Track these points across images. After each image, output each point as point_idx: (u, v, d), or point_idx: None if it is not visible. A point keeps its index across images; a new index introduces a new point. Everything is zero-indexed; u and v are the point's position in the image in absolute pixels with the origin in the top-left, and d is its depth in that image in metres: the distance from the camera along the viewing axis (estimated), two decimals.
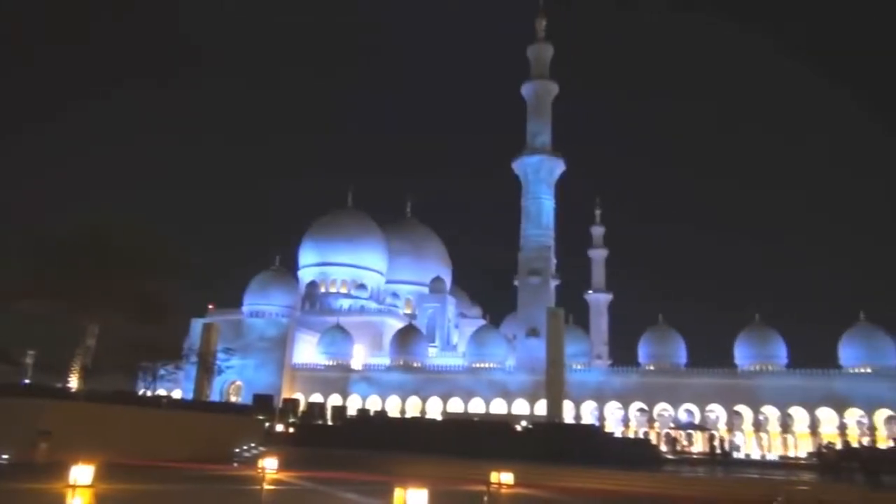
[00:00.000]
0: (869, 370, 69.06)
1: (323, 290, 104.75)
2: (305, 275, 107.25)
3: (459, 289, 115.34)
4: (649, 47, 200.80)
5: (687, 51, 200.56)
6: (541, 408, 70.25)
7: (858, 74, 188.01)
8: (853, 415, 67.07)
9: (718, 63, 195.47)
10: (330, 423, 60.92)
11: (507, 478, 25.05)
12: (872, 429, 65.21)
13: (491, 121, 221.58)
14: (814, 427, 66.96)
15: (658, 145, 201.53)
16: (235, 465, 35.63)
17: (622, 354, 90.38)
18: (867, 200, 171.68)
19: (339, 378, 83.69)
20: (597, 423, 70.17)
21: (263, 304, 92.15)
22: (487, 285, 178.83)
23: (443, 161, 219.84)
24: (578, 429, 58.13)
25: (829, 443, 45.06)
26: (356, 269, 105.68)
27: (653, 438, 66.40)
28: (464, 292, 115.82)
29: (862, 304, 73.75)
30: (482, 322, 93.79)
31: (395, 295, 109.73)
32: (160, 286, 41.30)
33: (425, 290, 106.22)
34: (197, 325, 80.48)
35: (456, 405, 77.93)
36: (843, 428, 65.85)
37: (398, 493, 15.90)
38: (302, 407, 68.87)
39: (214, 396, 76.11)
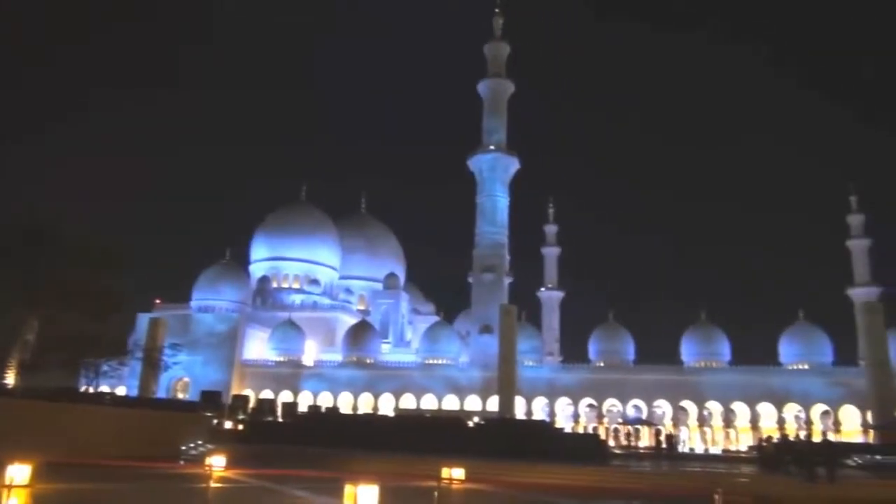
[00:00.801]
0: (806, 367, 71.87)
1: (275, 285, 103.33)
2: (257, 269, 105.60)
3: (413, 285, 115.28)
4: (604, 50, 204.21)
5: (643, 55, 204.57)
6: (493, 404, 70.84)
7: (800, 74, 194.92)
8: (791, 410, 69.71)
9: (670, 67, 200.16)
10: (280, 419, 60.15)
11: (458, 473, 25.18)
12: (809, 423, 67.89)
13: (448, 118, 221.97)
14: (754, 422, 69.27)
15: (611, 146, 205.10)
16: (182, 463, 34.90)
17: (573, 351, 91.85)
18: (806, 203, 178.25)
19: (291, 374, 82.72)
20: (547, 419, 71.14)
21: (213, 299, 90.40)
22: (441, 282, 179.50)
23: (399, 157, 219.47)
24: (529, 424, 58.82)
25: (768, 437, 46.67)
26: (309, 264, 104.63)
27: (601, 433, 67.70)
28: (418, 289, 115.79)
29: (801, 304, 76.71)
30: (436, 318, 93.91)
31: (348, 291, 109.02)
32: (103, 279, 39.99)
33: (379, 286, 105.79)
34: (143, 319, 78.51)
35: (409, 402, 77.91)
36: (781, 422, 68.37)
37: (349, 489, 15.83)
38: (252, 403, 67.84)
39: (161, 393, 74.38)
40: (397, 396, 78.65)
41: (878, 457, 43.36)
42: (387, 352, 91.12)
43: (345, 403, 79.23)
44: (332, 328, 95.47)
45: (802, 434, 65.40)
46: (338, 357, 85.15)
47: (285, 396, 79.05)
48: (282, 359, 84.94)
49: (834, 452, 33.86)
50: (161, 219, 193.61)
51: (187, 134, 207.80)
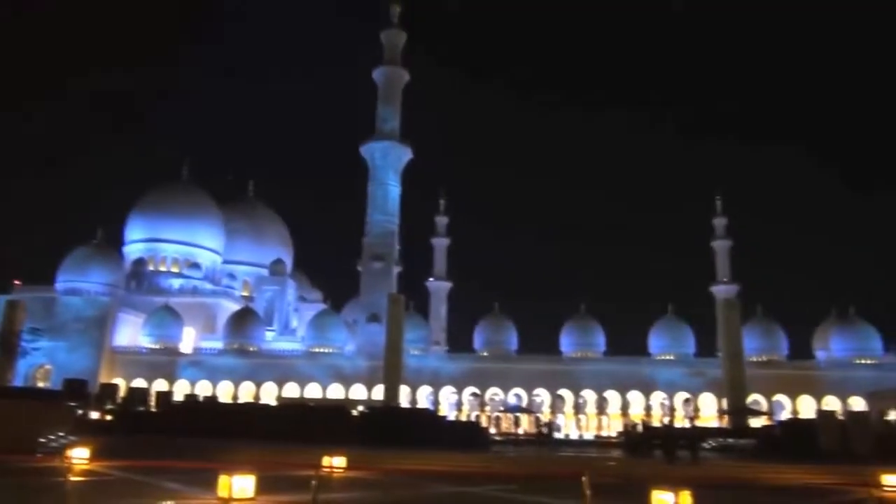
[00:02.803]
0: (672, 358, 77.20)
1: (151, 268, 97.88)
2: (132, 251, 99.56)
3: (301, 272, 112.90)
4: (500, 42, 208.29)
5: (540, 48, 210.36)
6: (378, 393, 70.90)
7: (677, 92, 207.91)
8: (657, 397, 74.68)
9: (567, 59, 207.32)
10: (154, 409, 57.24)
11: (339, 461, 25.08)
12: (672, 410, 73.03)
13: (343, 104, 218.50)
14: (624, 409, 73.61)
15: (504, 141, 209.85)
16: (39, 455, 32.39)
17: (460, 341, 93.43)
18: (678, 205, 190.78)
19: (166, 362, 78.87)
20: (431, 408, 72.13)
21: (81, 282, 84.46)
22: (330, 269, 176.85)
23: (290, 142, 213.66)
24: (413, 413, 59.43)
25: (634, 423, 49.72)
26: (189, 247, 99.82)
27: (483, 421, 69.48)
28: (305, 276, 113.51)
29: (670, 300, 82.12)
30: (323, 306, 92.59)
31: (231, 276, 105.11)
32: None
33: (265, 272, 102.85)
34: None
35: (292, 390, 76.45)
36: (648, 409, 73.10)
37: (224, 480, 15.39)
38: (122, 393, 64.14)
39: (18, 381, 68.70)
40: (280, 385, 76.97)
41: (729, 440, 47.37)
42: (271, 339, 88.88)
43: (225, 393, 76.61)
44: (213, 314, 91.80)
45: (666, 420, 70.25)
46: (218, 345, 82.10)
47: (160, 385, 75.32)
48: (157, 346, 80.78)
49: (695, 437, 36.71)
50: (25, 194, 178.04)
51: (55, 100, 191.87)
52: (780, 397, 73.27)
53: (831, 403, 69.98)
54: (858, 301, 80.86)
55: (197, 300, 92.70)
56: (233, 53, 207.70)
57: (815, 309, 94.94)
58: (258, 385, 77.34)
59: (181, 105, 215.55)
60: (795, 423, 50.66)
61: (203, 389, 75.79)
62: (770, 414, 67.56)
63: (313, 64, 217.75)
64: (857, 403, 67.35)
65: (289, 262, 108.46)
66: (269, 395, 76.41)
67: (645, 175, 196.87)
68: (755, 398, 70.40)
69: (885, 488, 23.46)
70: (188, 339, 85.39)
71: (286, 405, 63.46)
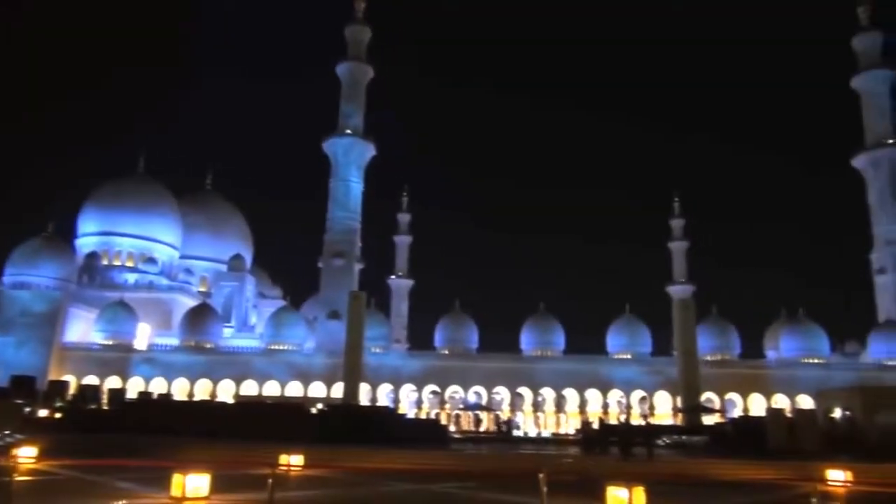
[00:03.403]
0: (629, 356, 78.51)
1: (105, 262, 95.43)
2: (85, 245, 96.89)
3: (260, 268, 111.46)
4: (468, 38, 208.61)
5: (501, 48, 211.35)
6: (338, 390, 70.42)
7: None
8: (615, 395, 75.87)
9: (527, 62, 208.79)
10: (105, 407, 55.84)
11: (296, 460, 24.85)
12: (628, 407, 74.27)
13: (307, 99, 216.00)
14: (582, 407, 74.58)
15: (467, 140, 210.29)
16: None
17: (420, 339, 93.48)
18: (637, 206, 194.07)
19: (119, 359, 76.96)
20: (391, 406, 71.98)
21: (30, 276, 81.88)
22: (290, 266, 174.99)
23: (251, 135, 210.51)
24: (372, 411, 59.21)
25: (590, 420, 50.41)
26: (145, 241, 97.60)
27: (443, 419, 69.62)
28: (265, 272, 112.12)
29: (627, 299, 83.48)
30: (282, 303, 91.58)
31: (188, 271, 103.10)
32: None
33: (223, 267, 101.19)
34: None
35: (250, 388, 75.42)
36: (605, 407, 74.20)
37: (177, 478, 15.11)
38: (73, 390, 62.39)
39: None
40: (238, 383, 75.86)
41: (683, 437, 48.45)
42: (229, 336, 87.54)
43: (180, 390, 75.16)
44: (168, 310, 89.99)
45: (622, 418, 71.47)
46: (174, 341, 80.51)
47: (112, 383, 73.47)
48: (110, 342, 78.78)
49: (650, 434, 37.42)
50: None
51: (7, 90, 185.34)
52: (733, 395, 75.20)
53: (780, 401, 72.14)
54: (808, 302, 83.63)
55: (152, 295, 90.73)
56: (195, 45, 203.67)
57: (767, 309, 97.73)
58: (215, 383, 76.07)
59: (140, 98, 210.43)
60: (746, 421, 51.98)
61: (158, 387, 74.23)
62: (722, 411, 69.26)
63: (278, 58, 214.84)
64: (805, 401, 69.47)
65: (248, 257, 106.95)
66: (226, 392, 75.23)
67: (606, 175, 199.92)
68: (709, 396, 72.07)
69: (830, 483, 24.31)
70: (143, 336, 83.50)
71: (244, 403, 62.63)
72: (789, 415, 48.33)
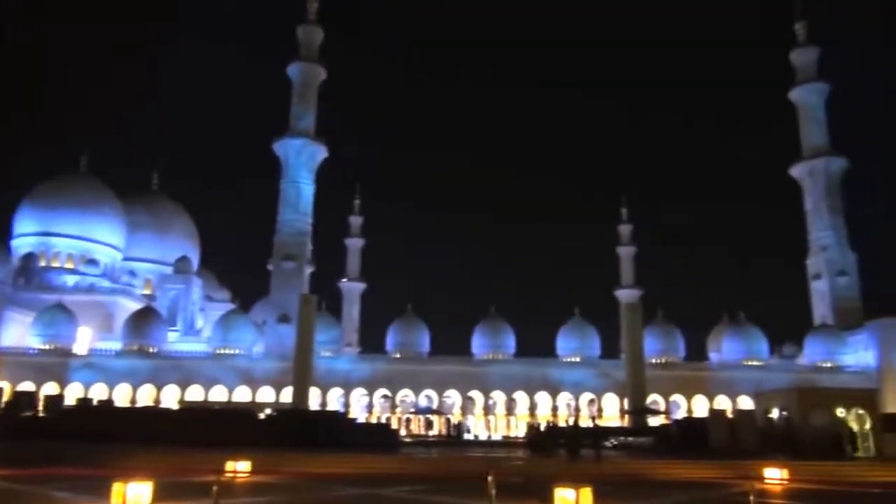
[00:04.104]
0: (578, 359, 79.73)
1: (43, 263, 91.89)
2: (21, 245, 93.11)
3: (208, 270, 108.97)
4: (419, 39, 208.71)
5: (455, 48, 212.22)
6: (287, 395, 69.42)
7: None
8: (564, 398, 76.92)
9: (481, 63, 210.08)
10: (42, 414, 53.68)
11: (243, 466, 24.45)
12: (577, 410, 75.42)
13: (259, 99, 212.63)
14: (532, 409, 75.38)
15: (420, 143, 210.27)
16: None
17: (372, 342, 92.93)
18: (587, 211, 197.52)
19: (58, 364, 74.11)
20: (342, 410, 71.36)
21: None
22: (239, 268, 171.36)
23: (200, 134, 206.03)
24: (322, 415, 58.56)
25: (538, 423, 51.04)
26: (86, 241, 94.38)
27: (394, 423, 69.39)
28: (212, 274, 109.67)
29: (577, 303, 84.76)
30: (230, 306, 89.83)
31: (132, 273, 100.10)
32: None
33: (169, 269, 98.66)
34: None
35: (196, 393, 73.65)
36: (555, 410, 75.17)
37: (117, 487, 14.70)
38: (6, 397, 59.80)
39: None
40: (183, 388, 73.96)
41: (630, 438, 49.49)
42: (174, 340, 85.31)
43: (122, 396, 72.84)
44: (110, 314, 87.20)
45: (571, 420, 72.53)
46: (117, 345, 77.99)
47: (50, 389, 70.64)
48: (47, 346, 75.83)
49: (597, 435, 38.10)
50: None
51: None
52: (677, 397, 77.17)
53: (722, 402, 74.41)
54: (748, 306, 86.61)
55: (93, 298, 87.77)
56: (142, 40, 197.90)
57: (711, 313, 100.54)
58: (159, 388, 73.99)
59: (84, 95, 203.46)
60: (689, 422, 53.50)
61: (98, 393, 71.74)
62: (667, 413, 71.07)
63: (229, 55, 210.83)
64: (745, 402, 71.80)
65: (195, 259, 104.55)
66: (171, 398, 73.24)
67: (556, 179, 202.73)
68: (654, 398, 73.78)
69: (766, 480, 25.24)
70: (83, 340, 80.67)
71: (189, 409, 61.17)
72: (730, 415, 49.94)
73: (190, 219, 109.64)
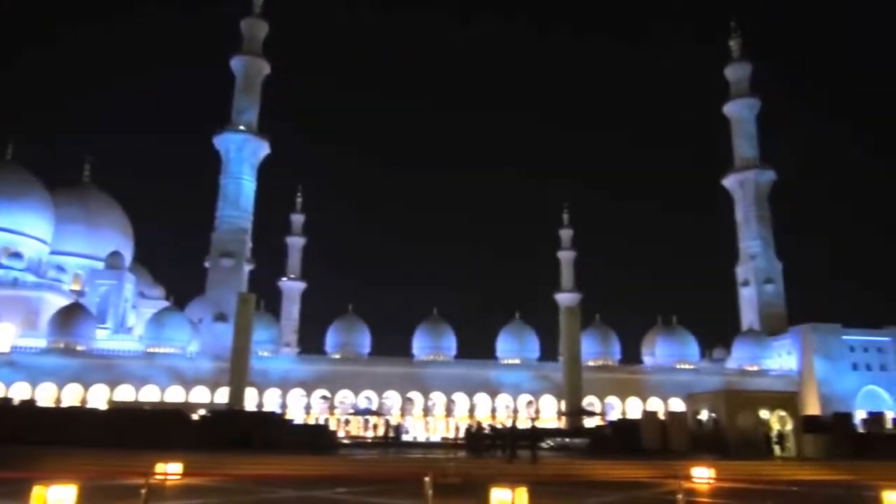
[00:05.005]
0: (517, 361, 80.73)
1: None
2: None
3: (141, 266, 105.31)
4: (366, 39, 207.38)
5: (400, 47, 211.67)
6: (223, 395, 67.86)
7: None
8: (503, 400, 77.73)
9: (429, 59, 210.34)
10: None
11: (174, 468, 23.74)
12: (516, 411, 76.33)
13: (201, 92, 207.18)
14: (472, 411, 75.88)
15: (363, 142, 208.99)
16: None
17: (312, 343, 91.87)
18: (528, 217, 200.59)
19: None
20: (279, 411, 70.17)
21: None
22: (175, 265, 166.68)
23: (136, 126, 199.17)
24: (257, 416, 57.49)
25: (478, 423, 51.39)
26: (9, 233, 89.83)
27: (332, 424, 68.63)
28: (146, 270, 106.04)
29: (518, 306, 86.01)
30: (165, 304, 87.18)
31: (60, 268, 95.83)
32: None
33: (100, 264, 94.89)
34: None
35: (126, 393, 71.16)
36: (494, 411, 75.87)
37: (38, 490, 14.02)
38: None
39: None
40: (112, 387, 71.38)
41: (566, 439, 50.35)
42: (103, 338, 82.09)
43: (46, 396, 69.73)
44: (35, 310, 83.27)
45: (509, 421, 73.31)
46: (41, 343, 74.57)
47: None
48: None
49: (534, 437, 38.61)
50: None
51: None
52: (612, 399, 79.06)
53: (655, 404, 76.66)
54: (681, 311, 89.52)
55: (16, 293, 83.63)
56: (76, 26, 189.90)
57: (645, 317, 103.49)
58: (87, 387, 71.14)
59: (13, 80, 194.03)
60: (623, 423, 54.86)
61: (20, 392, 68.44)
62: (603, 414, 72.70)
63: (168, 47, 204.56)
64: (677, 404, 74.18)
65: (128, 254, 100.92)
66: (99, 398, 70.47)
67: (499, 184, 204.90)
68: (590, 400, 75.40)
69: (695, 479, 26.13)
70: (4, 337, 76.79)
71: (118, 409, 58.98)
72: (662, 417, 51.40)
73: (123, 212, 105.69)
